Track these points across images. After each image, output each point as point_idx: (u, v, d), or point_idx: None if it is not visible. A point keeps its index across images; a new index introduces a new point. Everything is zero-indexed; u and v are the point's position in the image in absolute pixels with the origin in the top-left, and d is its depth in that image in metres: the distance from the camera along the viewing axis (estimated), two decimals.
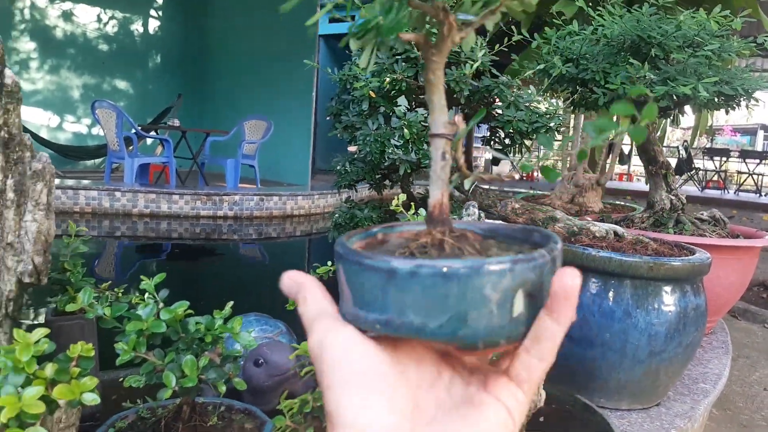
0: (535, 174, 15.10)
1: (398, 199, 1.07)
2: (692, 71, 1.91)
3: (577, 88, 2.07)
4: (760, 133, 25.18)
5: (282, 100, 8.64)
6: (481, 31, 0.45)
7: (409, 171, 1.85)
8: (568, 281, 0.36)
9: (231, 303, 0.91)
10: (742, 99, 2.07)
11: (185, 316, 0.91)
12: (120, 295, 1.15)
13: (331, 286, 0.45)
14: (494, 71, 1.87)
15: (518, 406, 0.38)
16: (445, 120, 0.43)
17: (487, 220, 0.49)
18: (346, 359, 0.37)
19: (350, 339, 0.37)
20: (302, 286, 0.42)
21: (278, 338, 1.38)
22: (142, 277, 0.91)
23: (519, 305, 0.36)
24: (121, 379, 1.21)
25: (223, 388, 0.87)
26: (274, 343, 1.18)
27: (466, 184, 0.44)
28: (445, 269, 0.34)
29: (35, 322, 2.67)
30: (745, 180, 13.72)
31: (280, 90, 8.69)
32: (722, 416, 2.63)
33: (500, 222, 0.47)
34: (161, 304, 0.89)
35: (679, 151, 13.70)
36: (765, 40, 2.20)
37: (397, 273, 0.35)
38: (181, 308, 0.87)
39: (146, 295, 0.93)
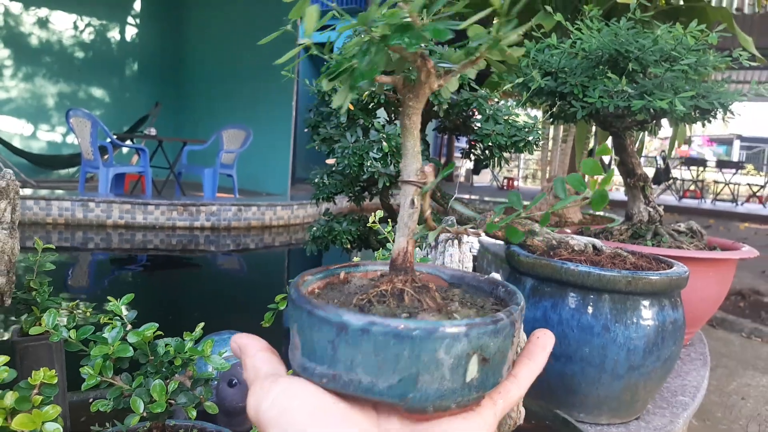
0: (516, 183, 15.21)
1: (375, 216, 1.05)
2: (669, 85, 1.92)
3: (556, 101, 2.07)
4: (736, 143, 25.69)
5: (261, 109, 8.59)
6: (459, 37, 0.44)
7: (388, 184, 1.84)
8: (548, 340, 0.42)
9: (202, 324, 0.88)
10: (718, 112, 2.09)
11: (155, 337, 0.88)
12: (89, 313, 1.12)
13: None
14: (473, 84, 1.86)
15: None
16: (417, 167, 0.42)
17: (451, 268, 0.48)
18: (287, 413, 0.34)
19: (285, 393, 0.35)
20: (244, 349, 0.41)
21: None
22: (109, 297, 0.88)
23: (473, 370, 0.35)
24: (91, 400, 1.17)
25: (193, 413, 0.84)
26: None
27: (431, 237, 0.44)
28: (399, 328, 0.33)
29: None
30: (721, 189, 13.97)
31: (260, 98, 8.65)
32: (701, 427, 2.64)
33: (468, 272, 0.47)
34: (129, 326, 0.86)
35: (656, 161, 13.91)
36: (740, 55, 2.22)
37: (348, 328, 0.34)
38: (149, 330, 0.84)
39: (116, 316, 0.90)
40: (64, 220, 5.60)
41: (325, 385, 0.35)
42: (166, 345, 0.87)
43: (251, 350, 0.41)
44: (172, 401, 0.84)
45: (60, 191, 6.17)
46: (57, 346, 1.14)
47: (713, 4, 6.43)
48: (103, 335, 0.82)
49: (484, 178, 16.13)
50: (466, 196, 10.39)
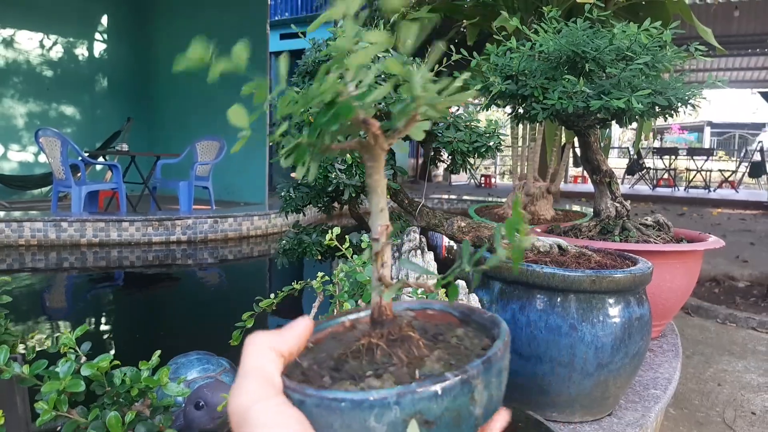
0: (493, 180, 15.29)
1: (332, 233, 1.05)
2: (626, 84, 1.95)
3: (517, 104, 2.09)
4: (707, 130, 26.12)
5: None
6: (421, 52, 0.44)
7: (354, 195, 1.84)
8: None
9: (158, 352, 0.88)
10: (679, 107, 2.12)
11: (112, 367, 0.88)
12: (48, 345, 1.11)
13: (284, 311, 0.44)
14: None
15: None
16: (382, 223, 0.43)
17: (462, 302, 0.48)
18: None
19: (279, 413, 0.34)
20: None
21: (221, 377, 1.34)
22: (63, 331, 0.87)
23: None
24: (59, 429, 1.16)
25: None
26: (216, 384, 1.15)
27: (386, 297, 0.43)
28: (328, 399, 0.34)
29: None
30: (693, 176, 14.19)
31: None
32: (679, 415, 2.67)
33: (477, 308, 0.47)
34: (83, 358, 0.85)
35: (629, 151, 14.11)
36: (696, 49, 2.26)
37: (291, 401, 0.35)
38: (104, 361, 0.84)
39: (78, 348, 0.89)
40: (36, 242, 5.51)
41: None
42: (123, 375, 0.87)
43: (257, 337, 0.39)
44: None
45: (34, 212, 6.08)
46: (18, 379, 1.13)
47: None
48: (56, 369, 0.82)
49: (461, 176, 16.18)
50: (445, 196, 10.41)
